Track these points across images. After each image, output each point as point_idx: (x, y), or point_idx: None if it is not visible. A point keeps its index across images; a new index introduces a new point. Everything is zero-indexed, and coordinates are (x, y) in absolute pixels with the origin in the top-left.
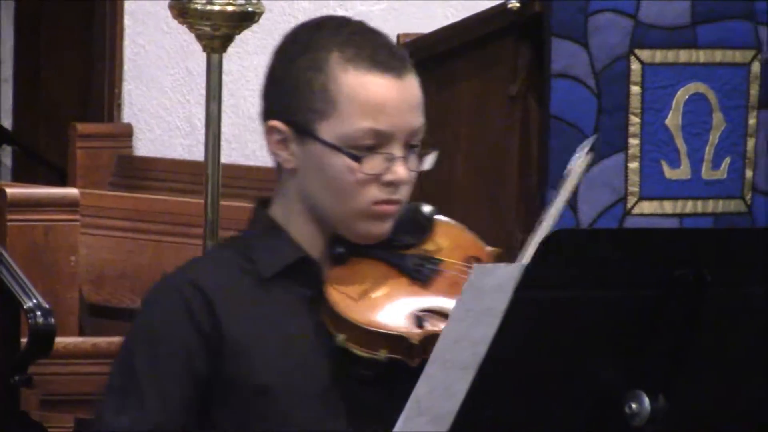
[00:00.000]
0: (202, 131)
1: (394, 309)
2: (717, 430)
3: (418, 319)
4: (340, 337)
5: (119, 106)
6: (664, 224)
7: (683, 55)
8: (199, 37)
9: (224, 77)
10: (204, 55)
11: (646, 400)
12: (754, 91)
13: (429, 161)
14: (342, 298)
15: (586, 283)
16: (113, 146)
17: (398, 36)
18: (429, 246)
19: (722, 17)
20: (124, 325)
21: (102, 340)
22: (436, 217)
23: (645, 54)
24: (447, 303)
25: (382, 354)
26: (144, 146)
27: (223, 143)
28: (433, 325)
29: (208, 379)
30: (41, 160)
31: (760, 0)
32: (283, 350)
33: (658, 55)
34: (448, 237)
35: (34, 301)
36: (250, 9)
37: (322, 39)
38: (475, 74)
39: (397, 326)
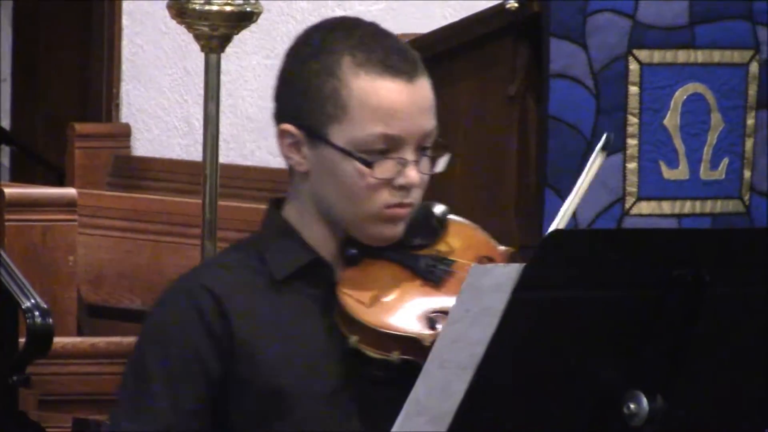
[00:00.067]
0: (200, 131)
1: (406, 310)
2: (715, 430)
3: (431, 321)
4: (353, 339)
5: (117, 106)
6: (663, 224)
7: (681, 56)
8: (198, 37)
9: (222, 77)
10: (202, 55)
11: (645, 401)
12: (753, 91)
13: (442, 164)
14: (354, 299)
15: (584, 284)
16: (111, 146)
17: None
18: (441, 246)
19: (720, 17)
20: (122, 325)
21: (100, 340)
22: (449, 217)
23: (643, 54)
24: None
25: (395, 355)
26: (142, 146)
27: (221, 143)
28: None
29: (220, 380)
30: (39, 160)
31: (758, 0)
32: (296, 352)
33: (657, 56)
34: (461, 237)
35: (32, 301)
36: (248, 9)
37: (334, 42)
38: (473, 74)
39: (410, 328)
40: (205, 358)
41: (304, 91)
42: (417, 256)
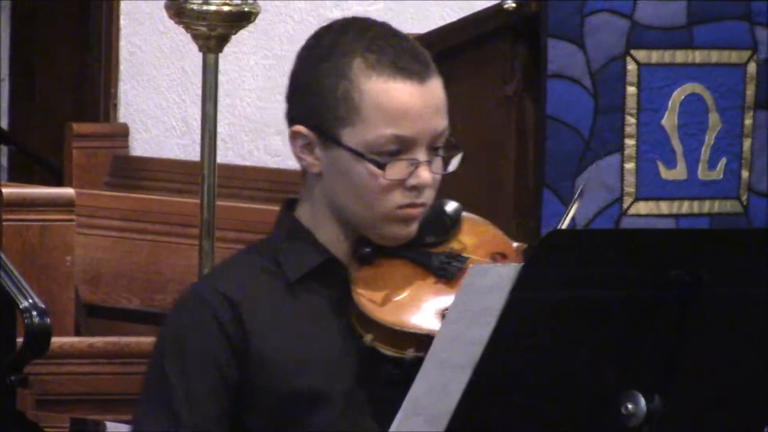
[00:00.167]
0: (198, 131)
1: (420, 308)
2: (713, 430)
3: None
4: (368, 338)
5: (115, 106)
6: (660, 225)
7: (679, 56)
8: (195, 37)
9: (220, 77)
10: (200, 55)
11: (642, 401)
12: (750, 91)
13: (454, 163)
14: (369, 298)
15: (582, 284)
16: (109, 146)
17: None
18: (454, 244)
19: (718, 18)
20: (120, 324)
21: (98, 340)
22: (462, 214)
23: (641, 54)
24: None
25: (410, 353)
26: (140, 146)
27: (219, 143)
28: None
29: (238, 384)
30: (37, 160)
31: (756, 0)
32: (312, 353)
33: (654, 56)
34: (474, 234)
35: (30, 301)
36: (246, 9)
37: (345, 44)
38: (471, 74)
39: (424, 325)
40: (223, 363)
41: (316, 93)
42: (430, 253)
